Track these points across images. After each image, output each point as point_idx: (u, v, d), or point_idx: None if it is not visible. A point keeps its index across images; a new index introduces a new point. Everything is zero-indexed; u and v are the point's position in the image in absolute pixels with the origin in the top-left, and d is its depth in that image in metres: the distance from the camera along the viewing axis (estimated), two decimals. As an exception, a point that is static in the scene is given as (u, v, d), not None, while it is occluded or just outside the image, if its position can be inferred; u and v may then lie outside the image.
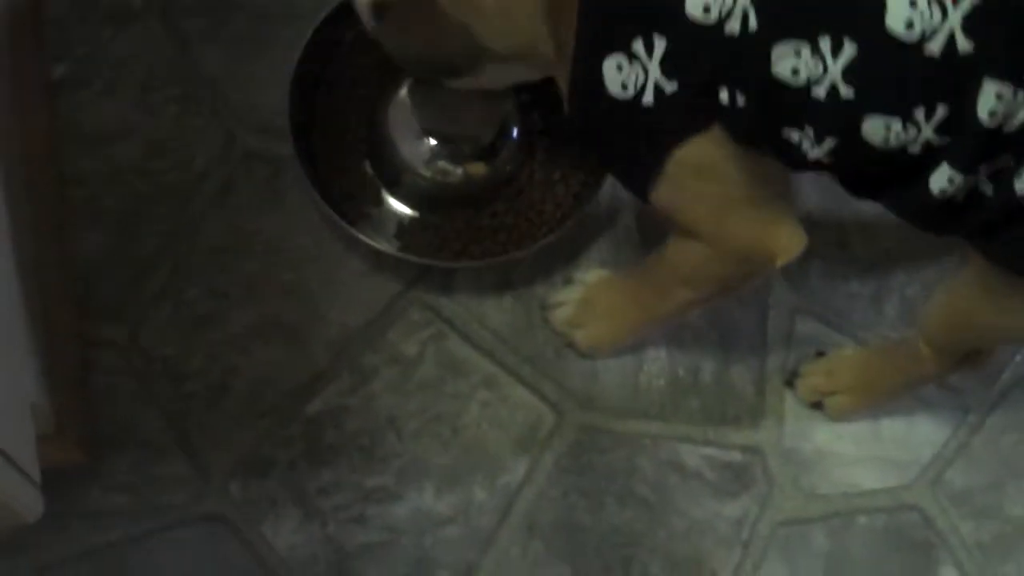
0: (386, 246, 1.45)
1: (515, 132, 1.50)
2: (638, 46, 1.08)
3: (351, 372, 1.44)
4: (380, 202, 1.49)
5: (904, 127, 1.03)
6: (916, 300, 1.53)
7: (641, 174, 1.18)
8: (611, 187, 1.47)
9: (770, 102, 1.06)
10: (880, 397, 1.47)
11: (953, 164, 1.04)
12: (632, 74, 1.10)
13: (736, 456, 1.46)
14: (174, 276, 1.46)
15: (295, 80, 1.45)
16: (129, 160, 1.50)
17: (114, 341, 1.44)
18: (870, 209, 1.49)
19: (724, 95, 1.08)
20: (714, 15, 1.05)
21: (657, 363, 1.48)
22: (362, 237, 1.43)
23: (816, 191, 1.54)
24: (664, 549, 1.42)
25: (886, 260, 1.55)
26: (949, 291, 1.27)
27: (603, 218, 1.53)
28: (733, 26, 1.04)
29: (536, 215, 1.48)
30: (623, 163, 1.22)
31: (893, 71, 1.02)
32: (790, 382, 1.49)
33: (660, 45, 1.08)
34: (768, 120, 1.09)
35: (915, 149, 1.05)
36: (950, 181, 1.04)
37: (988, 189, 1.05)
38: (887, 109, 1.03)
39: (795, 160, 1.12)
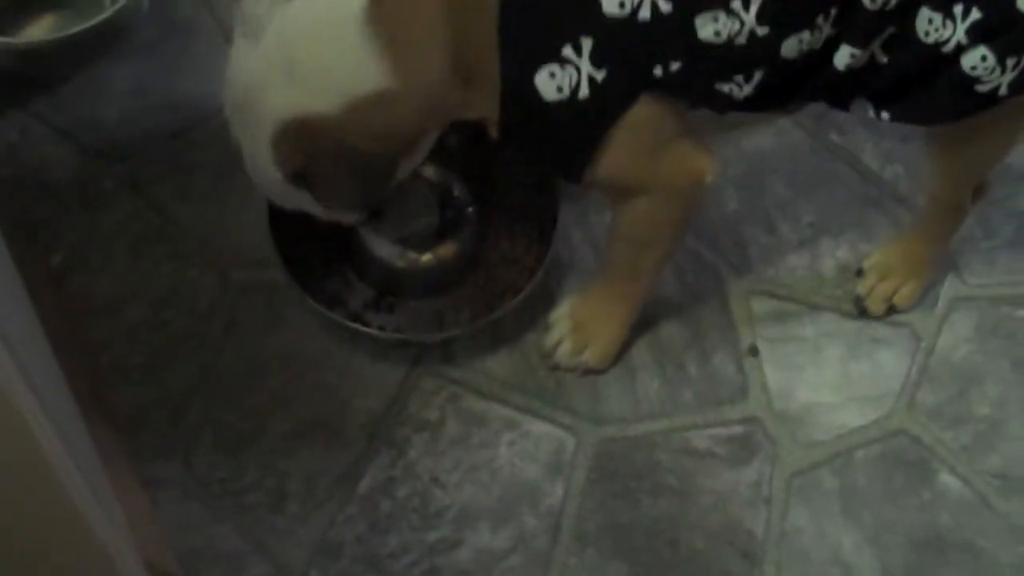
0: (387, 332, 1.61)
1: (469, 209, 1.67)
2: (567, 51, 1.27)
3: (388, 447, 1.59)
4: (368, 299, 1.66)
5: (811, 33, 1.29)
6: (848, 259, 1.73)
7: (579, 158, 1.36)
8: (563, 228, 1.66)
9: (701, 63, 1.29)
10: (930, 269, 1.69)
11: (851, 43, 1.31)
12: (565, 76, 1.28)
13: (737, 429, 1.63)
14: (208, 407, 1.61)
15: (270, 219, 1.60)
16: (140, 320, 1.65)
17: (171, 477, 1.57)
18: (785, 192, 1.72)
19: (658, 70, 1.28)
20: (627, 8, 1.26)
21: (647, 370, 1.66)
22: (364, 328, 1.59)
23: (736, 192, 1.76)
24: (701, 524, 1.57)
25: (811, 231, 1.75)
26: (936, 158, 1.54)
27: (563, 262, 1.71)
28: (644, 14, 1.26)
29: (511, 267, 1.66)
30: (561, 154, 1.37)
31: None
32: (862, 310, 1.69)
33: (587, 44, 1.27)
34: (701, 78, 1.31)
35: (818, 46, 1.31)
36: (852, 56, 1.32)
37: (882, 57, 1.33)
38: (797, 27, 1.29)
39: (723, 106, 1.35)
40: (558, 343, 1.63)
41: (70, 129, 1.76)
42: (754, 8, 1.26)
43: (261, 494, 1.57)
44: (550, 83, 1.28)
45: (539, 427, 1.62)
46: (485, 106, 1.33)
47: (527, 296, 1.63)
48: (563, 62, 1.27)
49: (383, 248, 1.64)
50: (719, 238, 1.74)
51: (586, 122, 1.32)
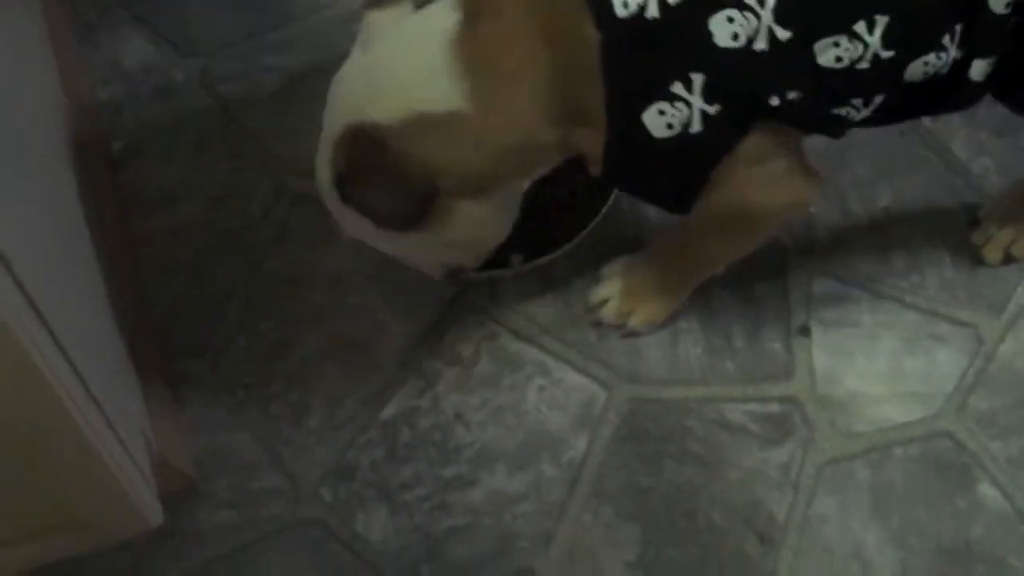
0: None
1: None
2: (677, 87, 1.21)
3: (417, 377, 1.58)
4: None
5: (937, 57, 1.23)
6: (920, 248, 1.66)
7: (688, 193, 1.31)
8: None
9: (821, 90, 1.23)
10: None
11: (982, 56, 1.25)
12: (675, 113, 1.22)
13: (775, 408, 1.59)
14: (246, 312, 1.61)
15: None
16: (191, 216, 1.65)
17: (199, 375, 1.57)
18: (865, 172, 1.65)
19: (775, 100, 1.23)
20: (742, 40, 1.20)
21: (691, 334, 1.62)
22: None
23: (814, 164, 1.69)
24: (723, 499, 1.54)
25: (886, 217, 1.69)
26: None
27: (623, 212, 1.67)
28: (760, 44, 1.20)
29: (567, 213, 1.62)
30: (669, 190, 1.33)
31: (921, 20, 1.21)
32: (979, 259, 1.64)
33: (698, 79, 1.21)
34: (819, 104, 1.25)
35: (945, 71, 1.25)
36: (989, 64, 1.26)
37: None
38: (923, 50, 1.22)
39: (839, 129, 1.30)
40: (605, 300, 1.60)
41: (149, 16, 1.76)
42: (878, 32, 1.20)
43: (284, 406, 1.56)
44: (659, 120, 1.23)
45: (572, 377, 1.59)
46: (585, 144, 1.28)
47: (579, 244, 1.59)
48: (673, 99, 1.22)
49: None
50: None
51: (698, 157, 1.27)
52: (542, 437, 1.56)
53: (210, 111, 1.70)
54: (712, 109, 1.22)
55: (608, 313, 1.59)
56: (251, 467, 1.53)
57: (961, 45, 1.24)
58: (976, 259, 1.65)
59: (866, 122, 1.34)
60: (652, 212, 1.66)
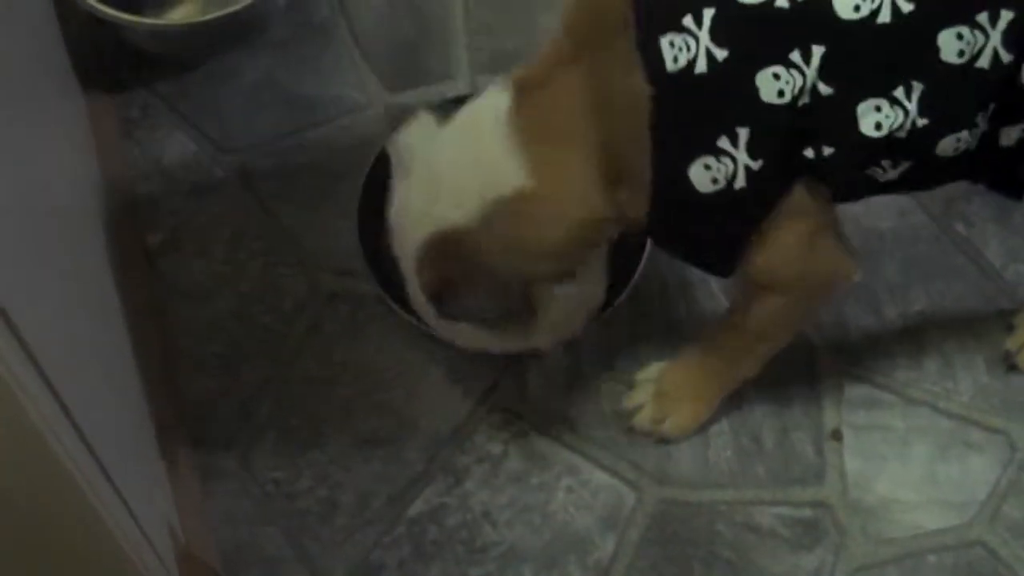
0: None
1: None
2: (723, 142, 1.23)
3: (445, 474, 1.58)
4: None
5: (970, 134, 1.24)
6: (954, 353, 1.65)
7: (732, 251, 1.31)
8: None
9: (857, 152, 1.24)
10: None
11: (1012, 123, 1.25)
12: (721, 168, 1.24)
13: (806, 512, 1.57)
14: (276, 407, 1.61)
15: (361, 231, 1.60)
16: (225, 311, 1.66)
17: (228, 469, 1.57)
18: (898, 276, 1.65)
19: (810, 152, 1.24)
20: (788, 96, 1.21)
21: (722, 437, 1.61)
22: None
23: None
24: (752, 604, 1.52)
25: (920, 321, 1.68)
26: None
27: (653, 309, 1.67)
28: (805, 100, 1.21)
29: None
30: (714, 248, 1.34)
31: (956, 93, 1.22)
32: (1012, 365, 1.62)
33: (743, 133, 1.22)
34: (852, 165, 1.26)
35: (974, 146, 1.25)
36: (1020, 132, 1.25)
37: None
38: (957, 127, 1.23)
39: (864, 189, 1.31)
40: (639, 407, 1.59)
41: (190, 114, 1.79)
42: (915, 98, 1.21)
43: (313, 502, 1.56)
44: (705, 175, 1.24)
45: (600, 477, 1.58)
46: (633, 207, 1.29)
47: (608, 336, 1.59)
48: (719, 153, 1.23)
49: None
50: (821, 314, 1.68)
51: (742, 212, 1.28)
52: (569, 538, 1.55)
53: (247, 207, 1.73)
54: (755, 165, 1.23)
55: (642, 421, 1.58)
56: (277, 562, 1.53)
57: (991, 120, 1.25)
58: (1010, 365, 1.63)
59: (887, 187, 1.33)
60: (683, 310, 1.66)
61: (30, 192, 1.18)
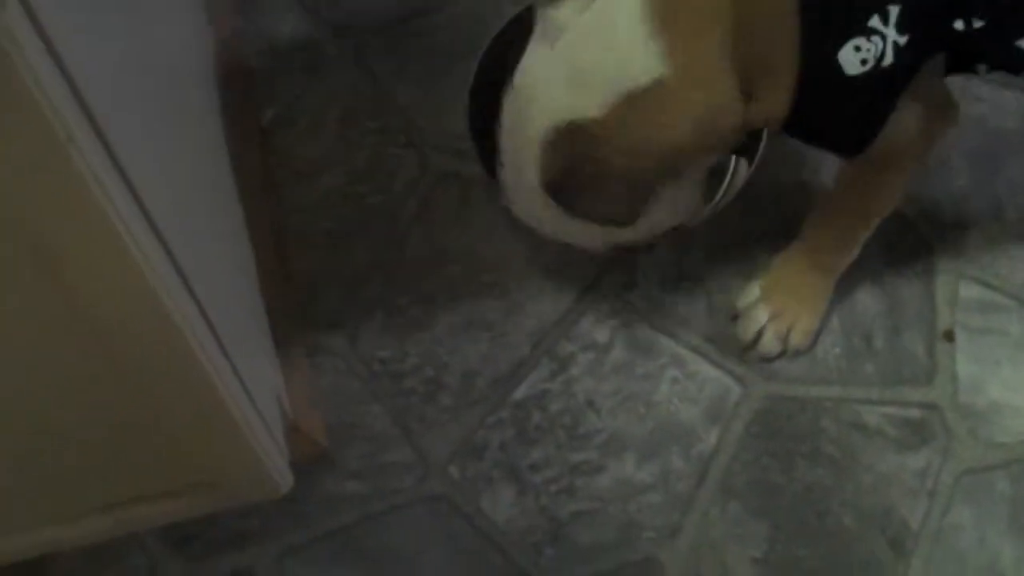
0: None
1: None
2: (875, 21, 1.20)
3: (550, 359, 1.57)
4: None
5: None
6: (1074, 259, 1.61)
7: (870, 129, 1.28)
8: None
9: (1005, 19, 1.21)
10: None
11: None
12: (871, 47, 1.21)
13: (914, 413, 1.55)
14: (385, 287, 1.62)
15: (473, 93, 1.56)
16: (336, 188, 1.67)
17: (336, 348, 1.59)
18: (1021, 177, 1.60)
19: (959, 24, 1.21)
20: None
21: (831, 335, 1.59)
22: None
23: (967, 166, 1.65)
24: (854, 502, 1.51)
25: (1041, 224, 1.64)
26: None
27: (765, 205, 1.64)
28: None
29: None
30: (853, 128, 1.30)
31: None
32: None
33: (894, 10, 1.20)
34: (1003, 36, 1.23)
35: None
36: None
37: None
38: None
39: (1020, 64, 1.27)
40: (758, 335, 1.56)
41: (303, -7, 1.78)
42: None
43: (418, 381, 1.57)
44: (855, 56, 1.21)
45: (707, 370, 1.57)
46: (769, 102, 1.25)
47: (717, 233, 1.58)
48: (870, 33, 1.21)
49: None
50: (939, 213, 1.64)
51: (887, 90, 1.25)
52: (673, 428, 1.54)
53: (360, 86, 1.72)
54: (903, 40, 1.21)
55: (768, 346, 1.56)
56: (382, 440, 1.54)
57: None
58: None
59: None
60: (795, 206, 1.63)
61: (150, 49, 1.18)
